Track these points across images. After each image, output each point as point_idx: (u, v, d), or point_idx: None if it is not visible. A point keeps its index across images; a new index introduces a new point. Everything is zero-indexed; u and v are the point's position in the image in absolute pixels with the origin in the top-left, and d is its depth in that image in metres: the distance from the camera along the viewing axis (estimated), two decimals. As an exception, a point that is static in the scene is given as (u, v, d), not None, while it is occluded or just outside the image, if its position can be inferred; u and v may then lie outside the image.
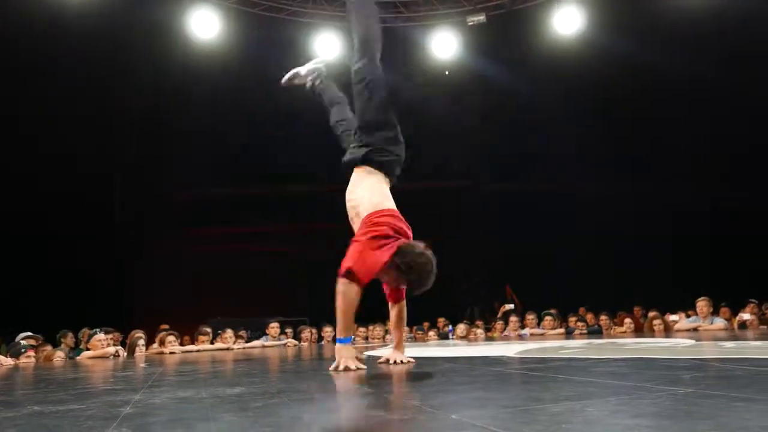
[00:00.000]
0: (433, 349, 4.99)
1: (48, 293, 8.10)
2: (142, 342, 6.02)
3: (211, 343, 6.71)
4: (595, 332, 7.28)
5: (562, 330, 7.59)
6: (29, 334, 6.06)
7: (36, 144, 8.35)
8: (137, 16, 8.67)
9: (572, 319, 7.83)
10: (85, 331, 6.16)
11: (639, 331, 7.34)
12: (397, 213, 3.00)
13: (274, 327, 7.49)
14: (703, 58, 8.52)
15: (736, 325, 6.93)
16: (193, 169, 9.73)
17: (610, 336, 6.68)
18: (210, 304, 9.13)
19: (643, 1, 9.16)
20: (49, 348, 5.72)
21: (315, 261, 10.26)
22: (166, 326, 7.18)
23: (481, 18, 9.67)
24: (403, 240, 2.85)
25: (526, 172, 10.49)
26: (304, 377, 2.77)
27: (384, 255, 2.74)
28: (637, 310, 8.31)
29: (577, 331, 7.39)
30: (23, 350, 5.29)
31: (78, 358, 5.58)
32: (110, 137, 9.31)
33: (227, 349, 6.52)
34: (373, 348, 5.39)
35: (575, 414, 1.34)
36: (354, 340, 2.87)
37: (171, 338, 6.21)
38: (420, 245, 2.82)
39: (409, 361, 3.05)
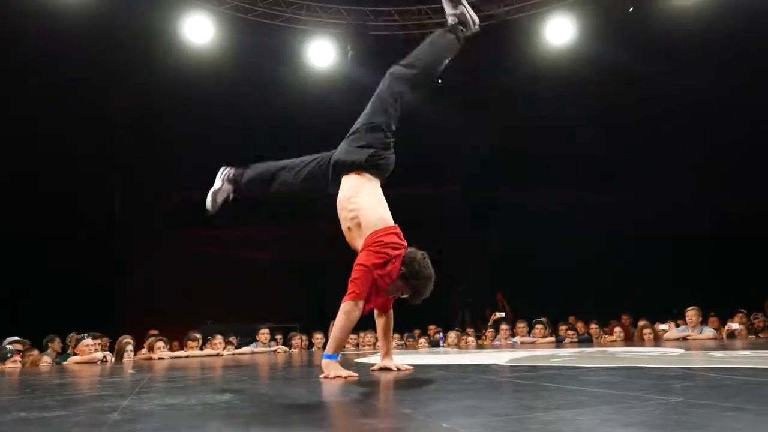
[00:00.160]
0: (424, 356, 4.98)
1: (40, 295, 8.06)
2: (130, 347, 5.97)
3: (201, 349, 6.67)
4: (586, 341, 7.33)
5: (552, 338, 7.62)
6: (16, 338, 6.00)
7: (36, 144, 8.40)
8: (134, 19, 8.68)
9: (562, 328, 7.88)
10: (73, 336, 6.10)
11: (629, 339, 7.38)
12: (398, 229, 2.93)
13: (264, 333, 7.42)
14: (695, 67, 8.65)
15: (724, 335, 6.98)
16: (185, 172, 9.70)
17: (600, 345, 6.71)
18: (200, 307, 9.07)
19: (634, 11, 9.26)
20: (35, 353, 5.65)
21: (306, 267, 10.24)
22: (155, 332, 7.12)
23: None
24: (402, 251, 2.81)
25: (518, 179, 10.52)
26: (294, 384, 2.75)
27: (392, 276, 2.75)
28: (626, 319, 8.35)
29: (567, 340, 7.43)
30: (9, 355, 5.23)
31: (65, 363, 5.53)
32: (109, 138, 9.41)
33: (217, 355, 6.48)
34: (364, 355, 5.38)
35: (566, 423, 1.34)
36: (340, 357, 2.86)
37: (160, 344, 6.16)
38: (420, 253, 2.81)
39: (407, 369, 3.02)
